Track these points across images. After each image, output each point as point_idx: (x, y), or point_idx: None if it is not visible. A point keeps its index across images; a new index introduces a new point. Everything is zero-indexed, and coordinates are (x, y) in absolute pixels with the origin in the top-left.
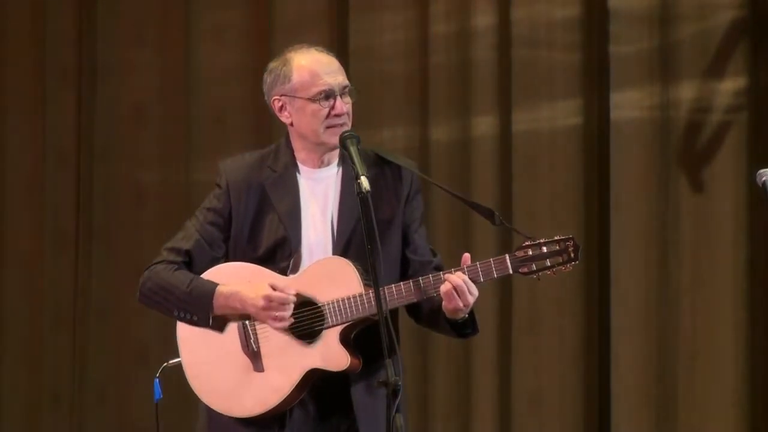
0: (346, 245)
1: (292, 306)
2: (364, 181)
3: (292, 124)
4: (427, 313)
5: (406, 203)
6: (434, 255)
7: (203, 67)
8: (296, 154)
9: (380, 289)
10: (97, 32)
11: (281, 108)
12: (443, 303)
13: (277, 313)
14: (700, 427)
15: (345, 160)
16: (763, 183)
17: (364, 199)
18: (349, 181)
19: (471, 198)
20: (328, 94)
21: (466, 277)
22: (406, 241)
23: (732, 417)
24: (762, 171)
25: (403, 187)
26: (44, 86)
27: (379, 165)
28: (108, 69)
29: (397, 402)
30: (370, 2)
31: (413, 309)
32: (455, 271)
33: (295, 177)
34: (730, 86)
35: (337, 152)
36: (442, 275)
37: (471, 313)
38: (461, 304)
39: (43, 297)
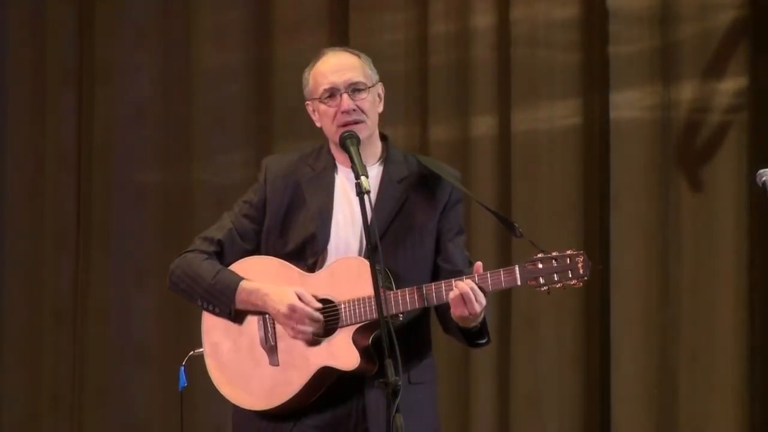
0: (374, 247)
1: (315, 324)
2: (364, 181)
3: (322, 128)
4: (448, 320)
5: (443, 212)
6: (470, 265)
7: (204, 67)
8: (335, 155)
9: (385, 292)
10: (97, 32)
11: (313, 113)
12: (451, 310)
13: (297, 326)
14: (700, 428)
15: (387, 161)
16: (763, 183)
17: (363, 199)
18: (388, 182)
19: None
20: (332, 92)
21: (474, 285)
22: (438, 250)
23: (732, 417)
24: (762, 171)
25: (442, 197)
26: (44, 86)
27: (420, 171)
28: (108, 69)
29: (397, 402)
30: (370, 2)
31: (439, 320)
32: (465, 278)
33: (333, 176)
34: (730, 86)
35: (375, 152)
36: (453, 282)
37: (483, 324)
38: (467, 312)
39: (43, 297)
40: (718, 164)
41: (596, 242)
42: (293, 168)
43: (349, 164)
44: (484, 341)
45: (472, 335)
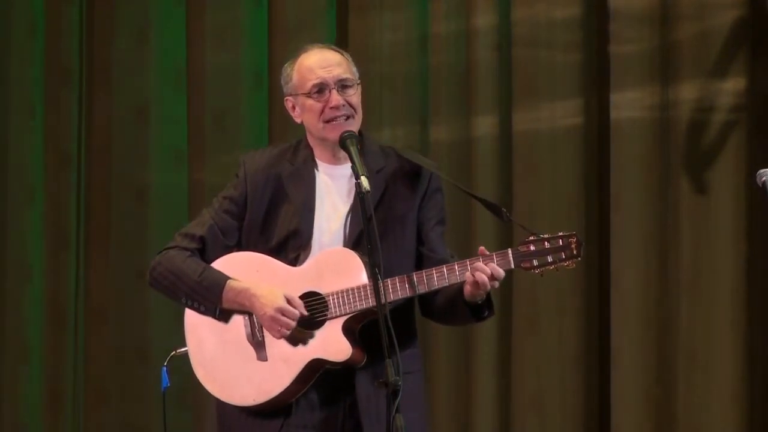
0: (356, 241)
1: (295, 323)
2: (364, 181)
3: (302, 123)
4: (442, 304)
5: (423, 200)
6: (451, 257)
7: (203, 67)
8: (314, 150)
9: (384, 287)
10: (96, 32)
11: (293, 108)
12: (466, 289)
13: (282, 329)
14: (700, 427)
15: (363, 152)
16: (763, 183)
17: (363, 199)
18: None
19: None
20: (321, 88)
21: (495, 266)
22: (420, 238)
23: (731, 416)
24: (762, 171)
25: (421, 185)
26: (44, 86)
27: (398, 162)
28: (108, 69)
29: (397, 402)
30: (370, 2)
31: (425, 306)
32: (471, 261)
33: (313, 172)
34: (730, 86)
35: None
36: (451, 266)
37: (488, 295)
38: (481, 290)
39: (43, 297)
40: (717, 164)
41: (596, 242)
42: (272, 163)
43: (328, 160)
44: (486, 314)
45: (477, 309)
